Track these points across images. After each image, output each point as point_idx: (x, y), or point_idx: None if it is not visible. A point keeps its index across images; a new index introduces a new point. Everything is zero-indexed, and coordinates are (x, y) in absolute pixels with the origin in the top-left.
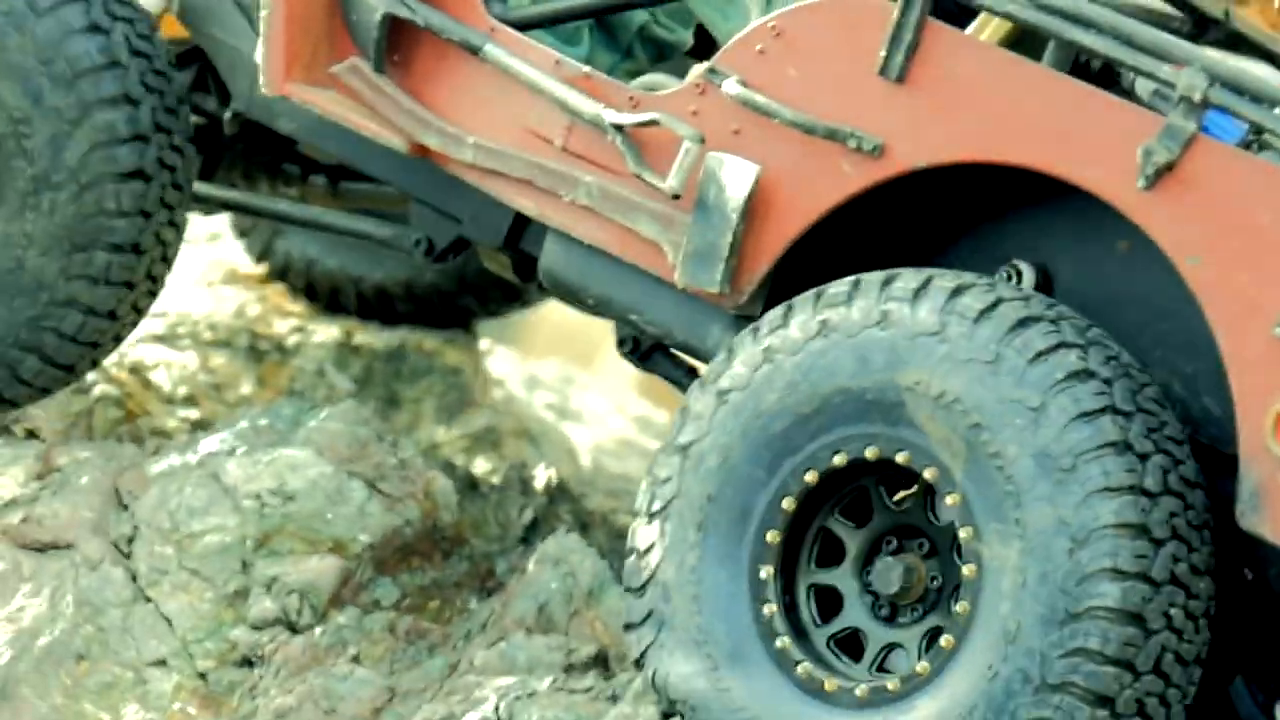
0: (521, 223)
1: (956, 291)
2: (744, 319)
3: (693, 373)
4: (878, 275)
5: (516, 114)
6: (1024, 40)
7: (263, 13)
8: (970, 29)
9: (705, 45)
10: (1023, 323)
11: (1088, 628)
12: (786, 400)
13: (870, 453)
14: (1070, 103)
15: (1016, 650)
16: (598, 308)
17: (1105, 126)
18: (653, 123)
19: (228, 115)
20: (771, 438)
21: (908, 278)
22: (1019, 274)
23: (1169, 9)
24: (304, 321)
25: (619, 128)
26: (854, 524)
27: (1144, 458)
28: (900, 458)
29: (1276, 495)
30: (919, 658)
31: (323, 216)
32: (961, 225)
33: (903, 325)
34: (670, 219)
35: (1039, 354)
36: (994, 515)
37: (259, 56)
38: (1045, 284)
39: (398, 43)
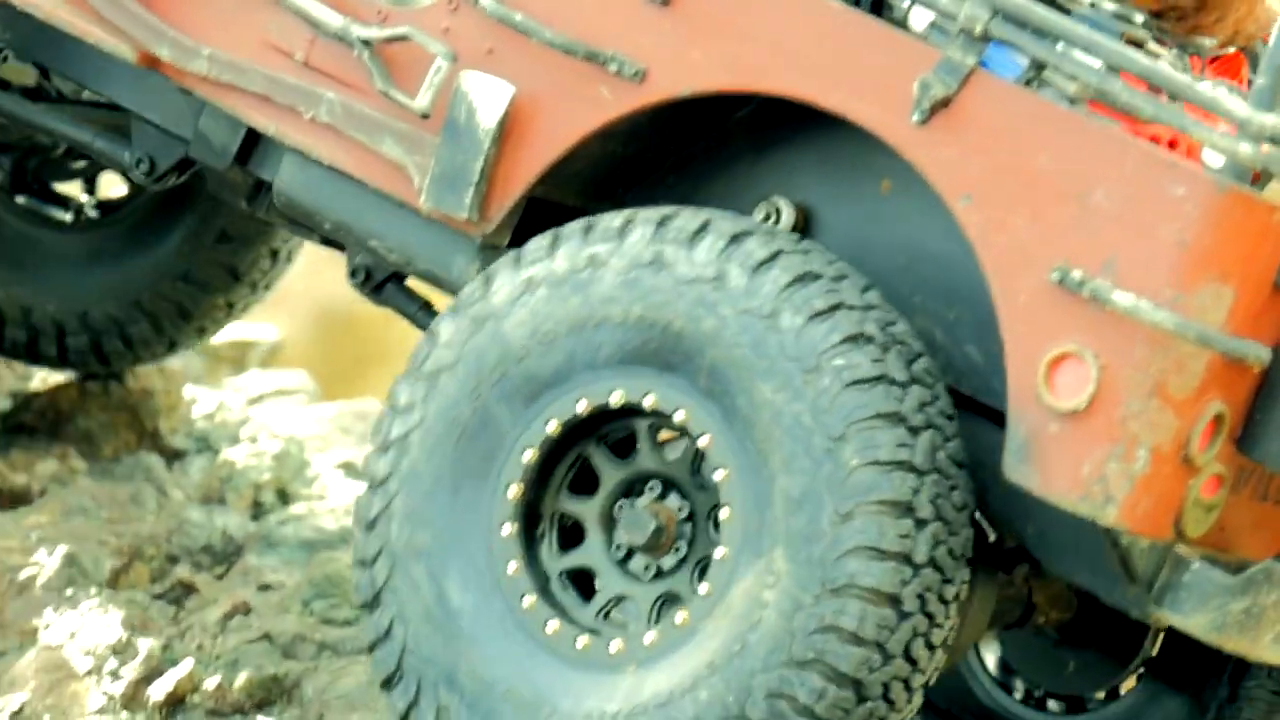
0: (251, 143)
1: (736, 238)
2: (491, 249)
3: (427, 306)
4: (654, 212)
5: (255, 26)
6: None
7: None
8: None
9: None
10: (802, 279)
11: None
12: (547, 334)
13: (616, 398)
14: (843, 31)
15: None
16: (335, 234)
17: (878, 58)
18: (402, 38)
19: None
20: (529, 371)
21: (686, 217)
22: (778, 212)
23: None
24: None
25: (366, 42)
26: (616, 459)
27: (915, 431)
28: (649, 401)
29: (1046, 447)
30: (649, 624)
31: (38, 116)
32: (722, 158)
33: (676, 269)
34: (417, 140)
35: (817, 313)
36: (756, 475)
37: None
38: (805, 223)
39: None
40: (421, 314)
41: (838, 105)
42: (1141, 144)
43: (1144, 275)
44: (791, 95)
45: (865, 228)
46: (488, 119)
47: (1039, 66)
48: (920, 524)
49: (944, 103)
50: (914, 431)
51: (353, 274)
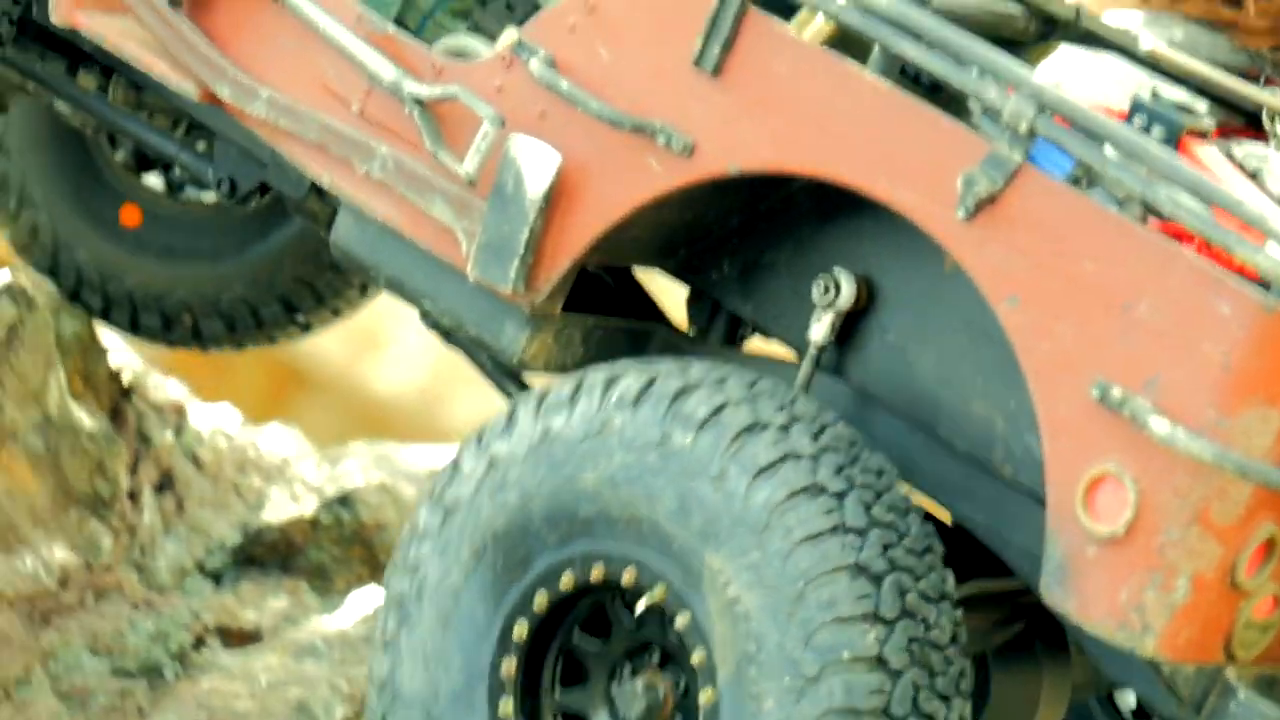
0: None
1: (679, 395)
2: (542, 318)
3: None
4: (601, 375)
5: (315, 69)
6: (853, 41)
7: None
8: (793, 24)
9: None
10: (749, 429)
11: None
12: (508, 518)
13: (596, 573)
14: (892, 117)
15: None
16: (390, 289)
17: (926, 147)
18: (451, 98)
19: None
20: (494, 562)
21: (630, 380)
22: (837, 285)
23: (1014, 9)
24: None
25: (418, 100)
26: (598, 642)
27: (878, 579)
28: (626, 577)
29: (1083, 571)
30: None
31: (128, 122)
32: (787, 222)
33: (623, 436)
34: (466, 205)
35: (762, 470)
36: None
37: None
38: (868, 296)
39: None
40: (490, 364)
41: (884, 194)
42: (1189, 255)
43: (1187, 397)
44: (838, 180)
45: (928, 305)
46: (534, 188)
47: (1087, 165)
48: (894, 675)
49: (990, 199)
50: (839, 497)
51: (423, 315)
